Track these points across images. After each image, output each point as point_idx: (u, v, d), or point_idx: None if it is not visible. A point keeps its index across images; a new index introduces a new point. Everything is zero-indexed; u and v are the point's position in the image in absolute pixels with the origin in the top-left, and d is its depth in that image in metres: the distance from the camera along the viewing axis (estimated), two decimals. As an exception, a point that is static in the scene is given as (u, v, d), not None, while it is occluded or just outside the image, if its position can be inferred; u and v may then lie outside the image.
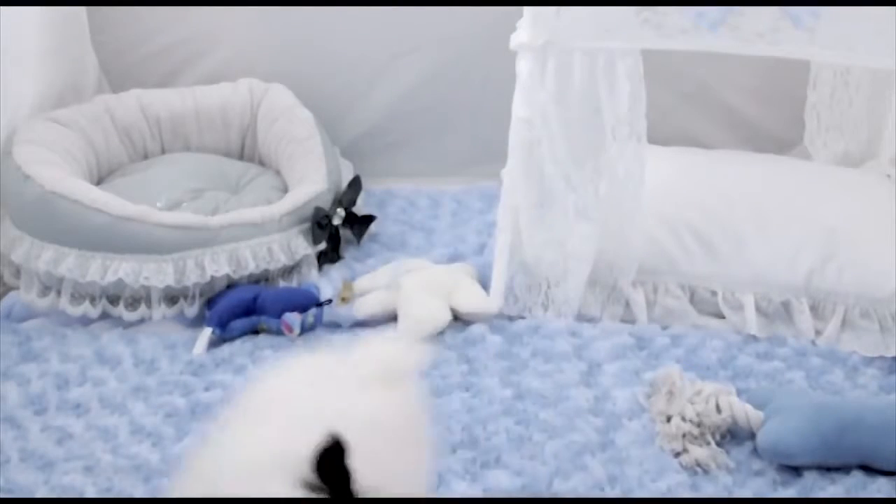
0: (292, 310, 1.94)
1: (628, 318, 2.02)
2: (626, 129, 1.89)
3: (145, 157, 2.45)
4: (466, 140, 2.65)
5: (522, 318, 2.00)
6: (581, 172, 1.95)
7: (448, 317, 1.97)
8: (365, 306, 2.01)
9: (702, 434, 1.67)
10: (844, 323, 1.97)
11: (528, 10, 1.87)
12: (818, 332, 1.97)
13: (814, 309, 1.99)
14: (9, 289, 2.09)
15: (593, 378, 1.84)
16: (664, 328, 1.98)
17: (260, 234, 2.07)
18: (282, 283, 2.10)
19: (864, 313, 1.96)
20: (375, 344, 1.32)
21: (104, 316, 2.01)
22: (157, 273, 1.98)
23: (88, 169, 2.29)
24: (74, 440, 1.67)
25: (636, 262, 2.00)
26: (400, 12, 2.53)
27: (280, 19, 2.56)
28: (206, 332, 1.93)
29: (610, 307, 2.03)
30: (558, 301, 2.01)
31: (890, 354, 1.91)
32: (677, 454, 1.65)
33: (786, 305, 2.00)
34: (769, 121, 2.63)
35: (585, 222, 1.96)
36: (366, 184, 2.38)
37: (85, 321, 2.00)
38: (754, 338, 1.96)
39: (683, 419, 1.68)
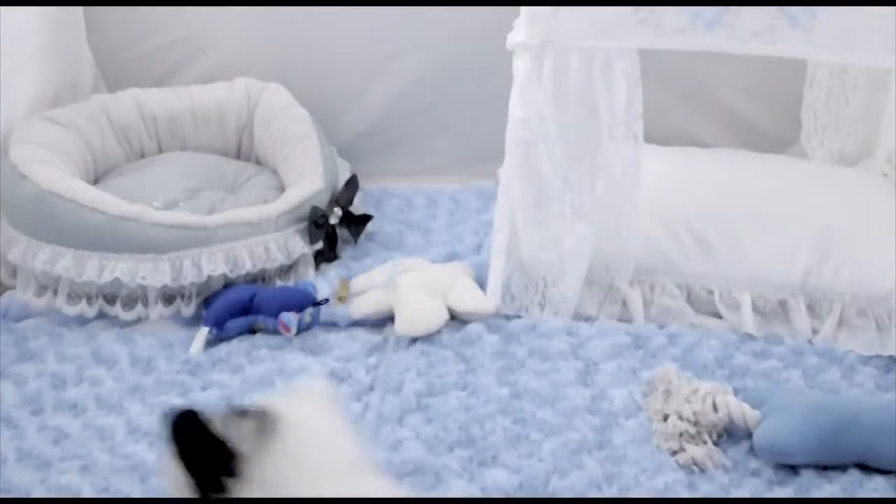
0: (289, 309, 1.93)
1: (625, 318, 2.02)
2: (623, 129, 1.89)
3: (142, 156, 2.45)
4: (463, 139, 2.64)
5: (519, 317, 2.00)
6: (578, 172, 1.95)
7: (445, 316, 1.97)
8: (362, 306, 2.01)
9: (698, 433, 1.67)
10: (841, 322, 1.97)
11: (524, 10, 1.87)
12: (815, 331, 1.98)
13: (810, 308, 1.99)
14: (5, 288, 2.09)
15: (590, 377, 1.84)
16: (661, 327, 1.99)
17: (257, 234, 2.07)
18: (278, 283, 2.10)
19: (861, 312, 1.96)
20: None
21: (101, 315, 2.01)
22: (154, 272, 1.97)
23: (85, 168, 2.29)
24: (71, 440, 1.67)
25: (633, 262, 2.00)
26: (397, 12, 2.53)
27: (277, 19, 2.56)
28: (203, 332, 1.93)
29: (607, 306, 2.03)
30: (555, 300, 2.01)
31: (886, 353, 1.91)
32: (674, 453, 1.65)
33: (782, 304, 2.00)
34: (766, 120, 2.62)
35: (582, 221, 1.96)
36: (363, 183, 2.38)
37: (81, 321, 2.00)
38: (751, 337, 1.96)
39: (680, 418, 1.68)
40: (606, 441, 1.68)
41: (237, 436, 1.11)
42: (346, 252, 2.25)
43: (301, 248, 2.13)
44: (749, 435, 1.67)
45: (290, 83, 2.50)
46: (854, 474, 1.61)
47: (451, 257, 2.20)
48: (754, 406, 1.68)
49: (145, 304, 2.00)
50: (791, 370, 1.87)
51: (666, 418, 1.70)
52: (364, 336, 1.96)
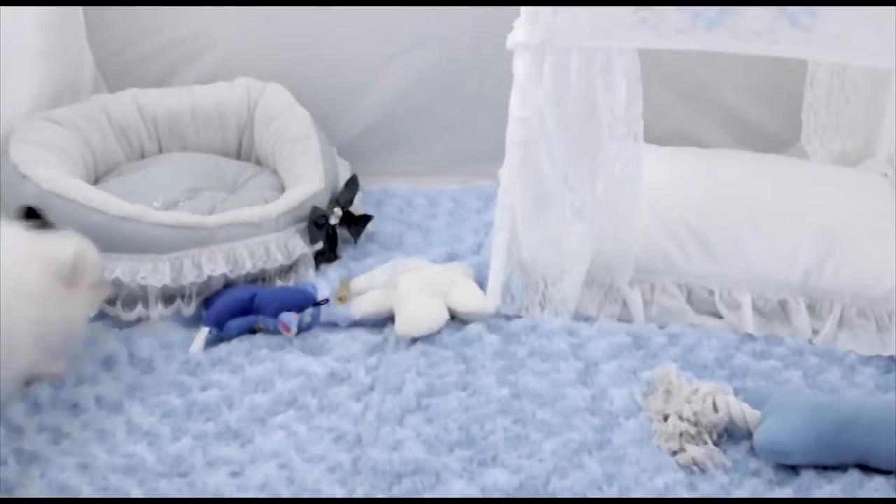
0: (289, 309, 1.93)
1: (625, 318, 2.02)
2: (623, 129, 1.89)
3: (142, 156, 2.45)
4: (463, 139, 2.65)
5: (519, 317, 2.00)
6: (578, 172, 1.95)
7: (445, 316, 1.97)
8: (362, 306, 2.01)
9: (699, 433, 1.67)
10: (841, 322, 1.97)
11: (525, 10, 1.87)
12: (815, 332, 1.98)
13: (811, 308, 1.99)
14: (5, 288, 2.08)
15: (590, 377, 1.84)
16: (661, 327, 1.99)
17: (257, 234, 2.07)
18: (279, 283, 2.10)
19: (861, 312, 1.96)
20: None
21: (101, 315, 2.00)
22: (154, 273, 1.97)
23: (85, 168, 2.29)
24: (70, 440, 1.67)
25: (633, 262, 2.00)
26: (397, 12, 2.53)
27: (277, 19, 2.56)
28: (203, 332, 1.93)
29: (607, 306, 2.03)
30: (555, 300, 2.01)
31: (887, 353, 1.91)
32: (674, 453, 1.65)
33: (783, 304, 2.00)
34: (766, 120, 2.63)
35: (582, 222, 1.96)
36: (363, 183, 2.38)
37: (81, 321, 2.00)
38: (751, 337, 1.96)
39: (680, 418, 1.68)
40: (606, 441, 1.68)
41: None
42: (346, 252, 2.25)
43: (301, 248, 2.13)
44: (749, 435, 1.67)
45: (290, 83, 2.51)
46: (854, 474, 1.61)
47: (451, 257, 2.20)
48: (754, 406, 1.68)
49: (145, 305, 2.00)
50: (791, 370, 1.87)
51: (666, 418, 1.70)
52: (364, 336, 1.96)
